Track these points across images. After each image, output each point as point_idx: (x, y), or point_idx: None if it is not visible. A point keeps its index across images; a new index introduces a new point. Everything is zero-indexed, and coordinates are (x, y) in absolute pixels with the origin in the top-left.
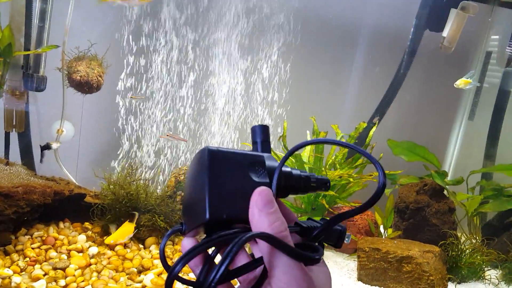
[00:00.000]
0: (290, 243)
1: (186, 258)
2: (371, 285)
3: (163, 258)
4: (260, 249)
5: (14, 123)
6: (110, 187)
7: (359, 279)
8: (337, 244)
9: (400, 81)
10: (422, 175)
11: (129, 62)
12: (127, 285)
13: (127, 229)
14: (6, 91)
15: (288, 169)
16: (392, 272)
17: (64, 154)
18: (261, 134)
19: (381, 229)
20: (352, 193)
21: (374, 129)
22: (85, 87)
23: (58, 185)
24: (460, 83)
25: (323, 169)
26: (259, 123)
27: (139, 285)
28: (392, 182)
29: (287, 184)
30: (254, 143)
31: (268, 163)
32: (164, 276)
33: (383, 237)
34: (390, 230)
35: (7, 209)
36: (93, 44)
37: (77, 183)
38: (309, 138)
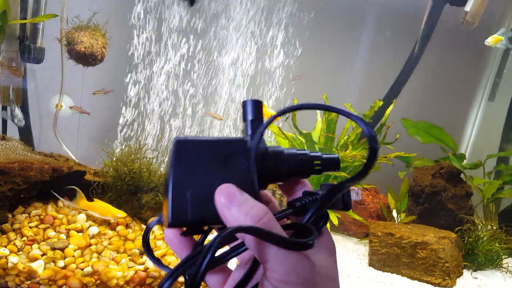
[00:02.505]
0: (275, 228)
1: (174, 276)
2: (383, 271)
3: (147, 250)
4: (247, 245)
5: (10, 97)
6: (112, 163)
7: (370, 264)
8: (346, 208)
9: (416, 58)
10: (436, 158)
11: (133, 33)
12: (128, 267)
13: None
14: (1, 63)
15: (279, 149)
16: (406, 258)
17: (63, 131)
18: (252, 111)
19: (394, 213)
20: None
21: (391, 107)
22: (90, 58)
23: (56, 161)
24: (491, 40)
25: (334, 149)
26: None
27: (141, 267)
28: (406, 164)
29: (277, 168)
30: (244, 121)
31: (254, 146)
32: (168, 258)
33: (396, 221)
34: (403, 215)
35: (3, 185)
36: (95, 13)
37: (77, 161)
38: (319, 118)
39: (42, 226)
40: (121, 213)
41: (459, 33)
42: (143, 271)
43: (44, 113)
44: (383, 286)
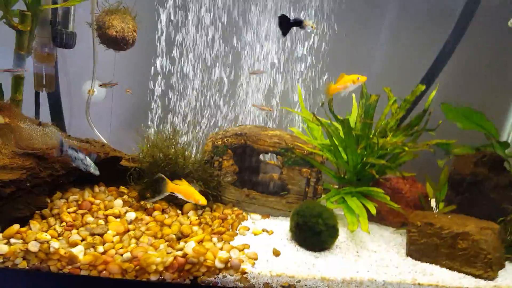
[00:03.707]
0: None
1: None
2: (421, 261)
3: None
4: None
5: (44, 82)
6: (149, 149)
7: (409, 254)
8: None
9: (456, 39)
10: (477, 145)
11: (162, 17)
12: (167, 253)
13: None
14: (34, 49)
15: None
16: (445, 249)
17: (95, 116)
18: None
19: (432, 203)
20: (403, 163)
21: (434, 93)
22: (121, 43)
23: (93, 147)
24: None
25: (371, 136)
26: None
27: (180, 252)
28: (445, 152)
29: None
30: None
31: None
32: (206, 244)
33: (434, 211)
34: (442, 205)
35: (42, 171)
36: None
37: (111, 146)
38: (355, 103)
39: (80, 211)
40: (202, 200)
41: (505, 11)
42: (181, 256)
43: (75, 99)
44: (422, 276)
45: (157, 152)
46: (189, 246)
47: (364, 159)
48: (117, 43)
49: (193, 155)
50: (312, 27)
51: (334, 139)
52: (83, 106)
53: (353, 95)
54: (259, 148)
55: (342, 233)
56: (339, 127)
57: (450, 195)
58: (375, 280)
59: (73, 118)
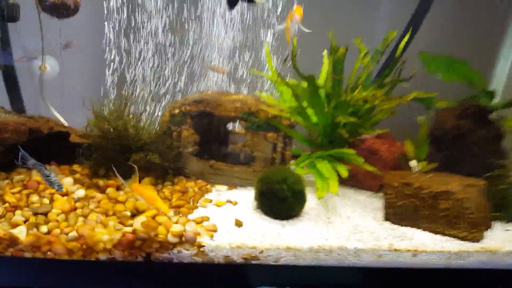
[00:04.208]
0: None
1: None
2: (401, 225)
3: None
4: None
5: None
6: (95, 122)
7: (386, 219)
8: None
9: None
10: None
11: None
12: (116, 230)
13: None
14: None
15: None
16: (425, 210)
17: (51, 93)
18: None
19: (414, 163)
20: (378, 121)
21: (405, 39)
22: (61, 8)
23: (35, 122)
24: None
25: (342, 94)
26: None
27: (129, 228)
28: (426, 107)
29: None
30: None
31: None
32: (159, 218)
33: (414, 171)
34: (423, 163)
35: None
36: None
37: (66, 123)
38: (326, 58)
39: (25, 191)
40: (164, 209)
41: None
42: (131, 233)
43: (30, 77)
44: (400, 241)
45: (104, 124)
46: (139, 221)
47: (336, 120)
48: (57, 8)
49: (149, 127)
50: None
51: (300, 100)
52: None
53: (325, 51)
54: (220, 115)
55: (313, 199)
56: (306, 85)
57: (432, 153)
58: (346, 248)
59: (28, 97)
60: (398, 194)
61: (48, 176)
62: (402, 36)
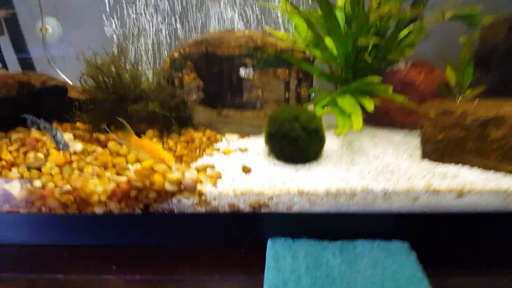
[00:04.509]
0: None
1: None
2: (442, 162)
3: None
4: None
5: None
6: (89, 72)
7: (424, 156)
8: None
9: None
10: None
11: None
12: (111, 180)
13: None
14: None
15: None
16: (473, 142)
17: (57, 55)
18: None
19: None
20: (413, 44)
21: None
22: None
23: (25, 76)
24: None
25: (363, 14)
26: None
27: (124, 178)
28: (469, 24)
29: None
30: None
31: None
32: (156, 166)
33: (457, 100)
34: (468, 91)
35: None
36: None
37: (70, 83)
38: None
39: (23, 149)
40: (168, 158)
41: None
42: (125, 183)
43: (31, 40)
44: (441, 180)
45: (98, 74)
46: (133, 169)
47: (357, 44)
48: None
49: (149, 76)
50: None
51: (316, 29)
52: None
53: None
54: (223, 54)
55: (336, 141)
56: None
57: (478, 78)
58: (372, 189)
59: (40, 63)
60: (437, 125)
61: (54, 136)
62: None
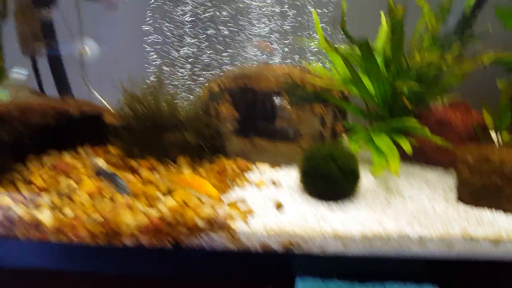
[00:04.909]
0: None
1: None
2: (478, 207)
3: None
4: None
5: (29, 44)
6: (126, 101)
7: (460, 199)
8: None
9: None
10: None
11: None
12: (142, 213)
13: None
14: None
15: None
16: (510, 190)
17: (94, 78)
18: None
19: (493, 135)
20: (447, 88)
21: None
22: None
23: (64, 104)
24: None
25: (403, 59)
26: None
27: (156, 212)
28: (507, 69)
29: None
30: None
31: None
32: (188, 200)
33: (496, 144)
34: (505, 134)
35: (1, 132)
36: None
37: (109, 107)
38: (384, 20)
39: (54, 174)
40: (213, 193)
41: None
42: (157, 217)
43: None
44: (477, 226)
45: (135, 103)
46: (165, 204)
47: (396, 87)
48: None
49: (186, 105)
50: None
51: (354, 68)
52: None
53: (381, 12)
54: (261, 90)
55: (371, 179)
56: (361, 53)
57: None
58: (407, 235)
59: (73, 85)
60: (474, 170)
61: (117, 183)
62: None
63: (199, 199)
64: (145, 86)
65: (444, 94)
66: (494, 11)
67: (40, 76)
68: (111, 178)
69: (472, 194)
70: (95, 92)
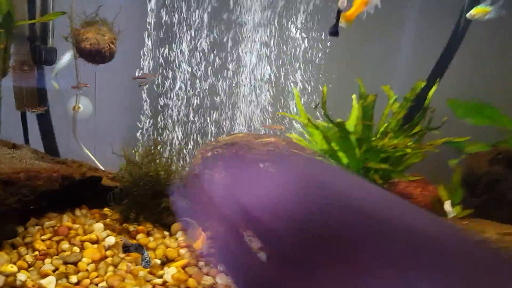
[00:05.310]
0: None
1: None
2: None
3: None
4: None
5: (25, 102)
6: (127, 167)
7: None
8: None
9: (463, 31)
10: (491, 143)
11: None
12: (146, 281)
13: None
14: (13, 66)
15: None
16: None
17: (84, 133)
18: None
19: (448, 207)
20: (409, 165)
21: (434, 88)
22: (97, 56)
23: (67, 168)
24: (476, 12)
25: (373, 138)
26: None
27: (160, 280)
28: (458, 151)
29: None
30: None
31: None
32: (189, 269)
33: (450, 216)
34: (458, 208)
35: (9, 198)
36: (100, 6)
37: (99, 164)
38: (355, 104)
39: (55, 238)
40: None
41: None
42: (161, 285)
43: (63, 116)
44: None
45: (136, 169)
46: (169, 273)
47: (367, 165)
48: (92, 56)
49: (180, 170)
50: None
51: (332, 143)
52: (70, 123)
53: (353, 96)
54: (252, 158)
55: None
56: (337, 129)
57: (467, 197)
58: None
59: (61, 137)
60: None
61: (143, 254)
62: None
63: (199, 268)
64: (142, 150)
65: (406, 170)
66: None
67: (27, 129)
68: (138, 250)
69: None
70: (85, 149)
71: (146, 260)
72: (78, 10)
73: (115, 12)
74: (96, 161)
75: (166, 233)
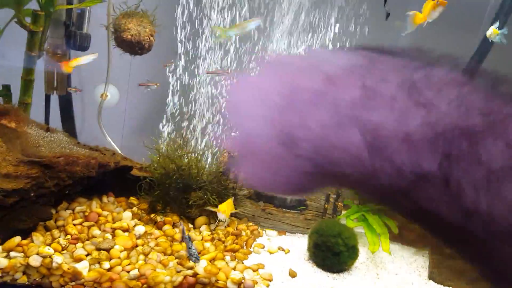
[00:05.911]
0: None
1: None
2: (444, 286)
3: None
4: None
5: (55, 85)
6: (160, 161)
7: (430, 277)
8: None
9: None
10: None
11: (182, 20)
12: (177, 272)
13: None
14: (47, 50)
15: None
16: (474, 273)
17: (108, 121)
18: None
19: None
20: None
21: None
22: (136, 47)
23: (103, 156)
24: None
25: None
26: None
27: (190, 272)
28: None
29: None
30: None
31: None
32: (218, 262)
33: None
34: None
35: (48, 181)
36: None
37: (121, 153)
38: None
39: (86, 223)
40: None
41: None
42: (192, 276)
43: (88, 103)
44: None
45: (169, 163)
46: (200, 265)
47: None
48: (132, 47)
49: (207, 166)
50: None
51: None
52: (95, 110)
53: None
54: None
55: (362, 252)
56: None
57: None
58: None
59: (85, 123)
60: (445, 254)
61: (189, 248)
62: None
63: (226, 262)
64: (171, 143)
65: None
66: None
67: (49, 113)
68: (187, 243)
69: (441, 274)
70: (108, 136)
71: (194, 255)
72: (117, 0)
73: (149, 5)
74: (118, 150)
75: (191, 226)
